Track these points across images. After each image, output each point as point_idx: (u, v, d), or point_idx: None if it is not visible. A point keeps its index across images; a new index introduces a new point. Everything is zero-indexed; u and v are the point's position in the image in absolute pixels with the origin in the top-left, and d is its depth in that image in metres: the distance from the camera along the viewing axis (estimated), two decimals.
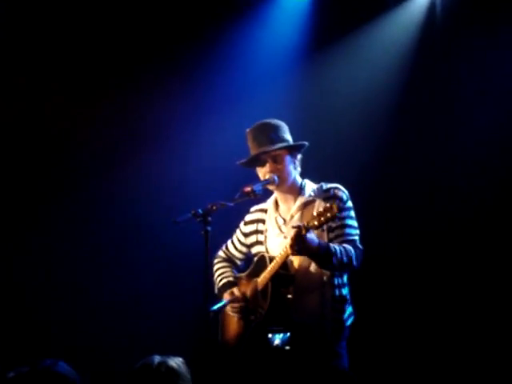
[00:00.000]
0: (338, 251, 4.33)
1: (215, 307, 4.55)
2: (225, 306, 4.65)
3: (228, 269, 4.90)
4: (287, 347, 4.42)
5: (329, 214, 4.15)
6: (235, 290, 4.71)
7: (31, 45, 6.21)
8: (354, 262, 4.42)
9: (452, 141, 6.02)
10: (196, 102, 6.30)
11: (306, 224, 4.20)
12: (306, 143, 4.62)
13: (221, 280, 4.84)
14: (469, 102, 5.97)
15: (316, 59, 6.25)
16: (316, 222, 4.18)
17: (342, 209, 4.46)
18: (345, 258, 4.35)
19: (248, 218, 4.83)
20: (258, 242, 4.73)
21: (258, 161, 4.60)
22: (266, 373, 4.49)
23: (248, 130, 4.66)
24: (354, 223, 4.54)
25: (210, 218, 4.30)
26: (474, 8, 5.91)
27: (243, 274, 4.80)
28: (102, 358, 5.99)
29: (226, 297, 4.71)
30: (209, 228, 4.31)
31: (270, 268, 4.48)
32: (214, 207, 4.34)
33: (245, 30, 6.25)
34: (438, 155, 6.06)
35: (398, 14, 6.13)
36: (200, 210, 4.30)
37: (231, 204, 4.45)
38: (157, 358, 3.23)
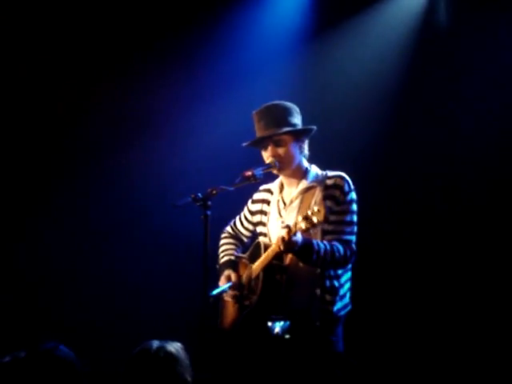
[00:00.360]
0: (322, 250, 4.25)
1: (214, 292, 4.52)
2: (224, 291, 4.61)
3: (232, 246, 4.88)
4: (287, 335, 4.39)
5: (315, 220, 4.07)
6: (232, 275, 4.65)
7: (36, 33, 6.17)
8: (341, 263, 4.37)
9: (455, 124, 5.99)
10: (198, 87, 6.26)
11: (293, 227, 4.15)
12: (314, 128, 4.55)
13: (223, 257, 4.84)
14: (473, 86, 5.93)
15: (320, 41, 6.21)
16: (303, 226, 4.12)
17: (342, 202, 4.40)
18: (328, 258, 4.28)
19: (256, 196, 4.80)
20: (261, 223, 4.70)
21: (262, 144, 4.55)
22: (266, 360, 4.46)
23: (255, 111, 4.60)
24: (354, 218, 4.45)
25: (209, 203, 4.27)
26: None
27: (244, 255, 4.77)
28: (101, 343, 5.98)
29: (223, 280, 4.67)
30: (208, 212, 4.27)
31: (263, 258, 4.46)
32: (214, 191, 4.30)
33: (247, 13, 6.21)
34: (441, 136, 6.03)
35: (399, 4, 6.09)
36: (200, 195, 4.27)
37: (231, 188, 4.42)
38: (155, 343, 3.21)
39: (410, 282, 6.07)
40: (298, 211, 4.48)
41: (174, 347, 3.21)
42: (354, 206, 4.47)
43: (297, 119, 4.55)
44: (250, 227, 4.85)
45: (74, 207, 6.33)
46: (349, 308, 4.54)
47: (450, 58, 6.00)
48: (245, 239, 4.92)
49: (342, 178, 4.47)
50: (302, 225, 4.12)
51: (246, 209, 4.86)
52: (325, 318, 4.41)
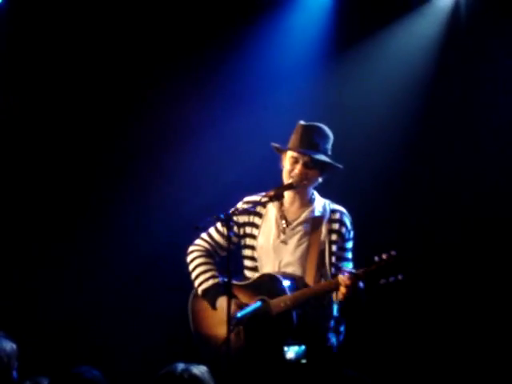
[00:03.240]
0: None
1: (239, 315, 4.44)
2: (250, 314, 4.51)
3: (212, 266, 4.66)
4: (303, 360, 4.36)
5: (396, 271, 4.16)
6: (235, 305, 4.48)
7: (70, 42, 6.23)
8: None
9: (479, 144, 5.94)
10: (222, 102, 6.26)
11: (361, 274, 4.22)
12: (341, 167, 4.56)
13: (208, 279, 4.63)
14: (493, 104, 5.88)
15: (340, 59, 6.19)
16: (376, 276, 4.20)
17: (346, 239, 4.53)
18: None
19: (241, 207, 4.61)
20: (251, 236, 4.61)
21: (293, 156, 4.53)
22: None
23: (301, 123, 4.59)
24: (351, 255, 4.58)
25: (232, 223, 4.28)
26: (499, 7, 5.82)
27: (239, 283, 4.58)
28: (122, 365, 5.93)
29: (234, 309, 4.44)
30: (231, 234, 4.29)
31: (301, 294, 4.39)
32: (236, 212, 4.31)
33: (267, 31, 6.20)
34: (464, 160, 5.98)
35: (423, 14, 6.05)
36: (222, 215, 4.26)
37: (253, 209, 4.47)
38: (180, 366, 3.20)
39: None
40: (307, 241, 4.50)
41: (200, 370, 3.19)
42: (352, 243, 4.60)
43: (330, 149, 4.60)
44: (234, 239, 4.62)
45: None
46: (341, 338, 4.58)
47: (472, 76, 5.95)
48: (221, 253, 4.68)
49: (345, 214, 4.60)
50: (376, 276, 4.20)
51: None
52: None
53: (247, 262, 4.63)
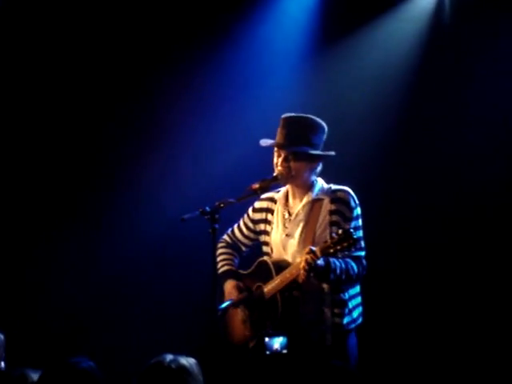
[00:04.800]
0: (338, 269, 4.30)
1: (223, 306, 4.52)
2: (233, 304, 4.60)
3: (230, 256, 4.81)
4: (285, 351, 4.38)
5: (345, 244, 4.15)
6: (240, 292, 4.63)
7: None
8: (353, 280, 4.43)
9: (462, 136, 6.00)
10: (210, 98, 6.29)
11: (318, 251, 4.19)
12: (331, 154, 4.53)
13: (223, 265, 4.76)
14: (480, 95, 5.94)
15: (325, 54, 6.22)
16: (331, 250, 4.18)
17: (349, 218, 4.44)
18: (343, 276, 4.33)
19: (257, 204, 4.75)
20: (265, 232, 4.69)
21: (276, 150, 4.55)
22: (265, 377, 4.48)
23: (284, 116, 4.56)
24: (361, 233, 4.47)
25: (217, 216, 4.30)
26: (483, 4, 5.88)
27: (245, 272, 4.74)
28: (113, 356, 5.95)
29: (232, 292, 4.64)
30: (216, 226, 4.30)
31: (279, 281, 4.42)
32: (222, 205, 4.33)
33: (254, 27, 6.22)
34: (447, 151, 6.04)
35: (407, 9, 6.09)
36: (208, 208, 4.29)
37: (237, 202, 4.46)
38: (169, 357, 3.20)
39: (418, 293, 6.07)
40: (305, 225, 4.51)
41: (188, 361, 3.20)
42: (360, 221, 4.51)
43: (318, 139, 4.52)
44: (252, 236, 4.79)
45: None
46: (359, 321, 4.56)
47: (456, 68, 6.00)
48: (244, 248, 4.85)
49: (348, 192, 4.51)
50: (331, 250, 4.18)
51: (246, 217, 4.81)
52: (335, 333, 4.45)
53: None
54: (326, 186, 4.58)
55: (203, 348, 4.20)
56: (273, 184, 4.58)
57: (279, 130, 4.55)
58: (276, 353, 4.38)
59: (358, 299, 4.56)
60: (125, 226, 6.27)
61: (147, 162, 6.31)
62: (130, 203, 6.28)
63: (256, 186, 4.48)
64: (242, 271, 4.76)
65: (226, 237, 4.86)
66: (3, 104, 6.21)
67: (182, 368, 3.18)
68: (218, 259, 4.78)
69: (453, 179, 6.01)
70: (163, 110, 6.30)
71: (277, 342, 4.39)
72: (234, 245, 4.85)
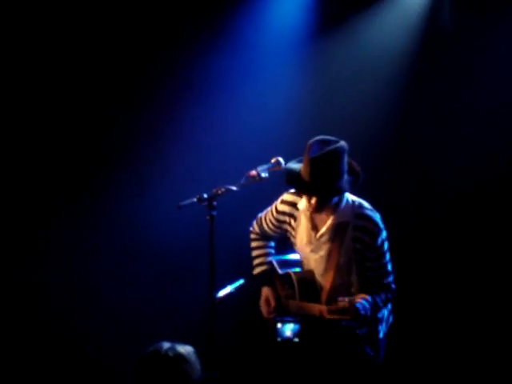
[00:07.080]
0: (368, 310, 4.21)
1: (221, 293, 4.49)
2: (231, 292, 4.56)
3: (265, 250, 4.70)
4: (296, 339, 4.34)
5: (345, 317, 4.13)
6: (271, 298, 4.60)
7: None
8: (382, 309, 4.38)
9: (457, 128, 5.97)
10: (203, 88, 6.22)
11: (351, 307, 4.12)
12: (360, 176, 4.33)
13: (257, 265, 4.69)
14: (476, 91, 5.91)
15: (323, 40, 6.15)
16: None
17: (373, 247, 4.30)
18: (369, 313, 4.23)
19: (280, 207, 4.54)
20: (291, 233, 4.54)
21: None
22: (276, 364, 4.45)
23: (312, 155, 4.23)
24: (388, 257, 4.36)
25: (215, 203, 4.28)
26: None
27: (279, 272, 4.60)
28: (111, 345, 5.94)
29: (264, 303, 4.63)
30: (214, 213, 4.28)
31: (310, 306, 4.36)
32: (220, 192, 4.31)
33: (247, 22, 6.15)
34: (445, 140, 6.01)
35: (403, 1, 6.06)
36: (205, 195, 4.27)
37: (236, 188, 4.40)
38: (166, 345, 3.22)
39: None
40: (330, 251, 4.37)
41: (185, 349, 3.21)
42: (386, 245, 4.37)
43: (343, 165, 4.27)
44: (279, 231, 4.62)
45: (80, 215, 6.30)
46: (390, 321, 4.53)
47: (452, 60, 5.96)
48: (275, 235, 4.68)
49: (370, 220, 4.34)
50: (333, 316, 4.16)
51: (271, 214, 4.61)
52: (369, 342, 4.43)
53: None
54: (350, 198, 4.39)
55: (201, 334, 4.19)
56: (272, 170, 4.48)
57: (305, 169, 4.24)
58: (287, 340, 4.35)
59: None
60: (124, 219, 6.21)
61: (146, 156, 6.28)
62: (128, 197, 6.25)
63: (253, 172, 4.40)
64: (277, 267, 4.62)
65: (256, 227, 4.70)
66: (3, 104, 6.19)
67: (180, 356, 3.18)
68: (253, 254, 4.69)
69: (453, 179, 5.97)
70: (162, 104, 6.27)
71: (288, 329, 4.35)
72: (265, 234, 4.68)
